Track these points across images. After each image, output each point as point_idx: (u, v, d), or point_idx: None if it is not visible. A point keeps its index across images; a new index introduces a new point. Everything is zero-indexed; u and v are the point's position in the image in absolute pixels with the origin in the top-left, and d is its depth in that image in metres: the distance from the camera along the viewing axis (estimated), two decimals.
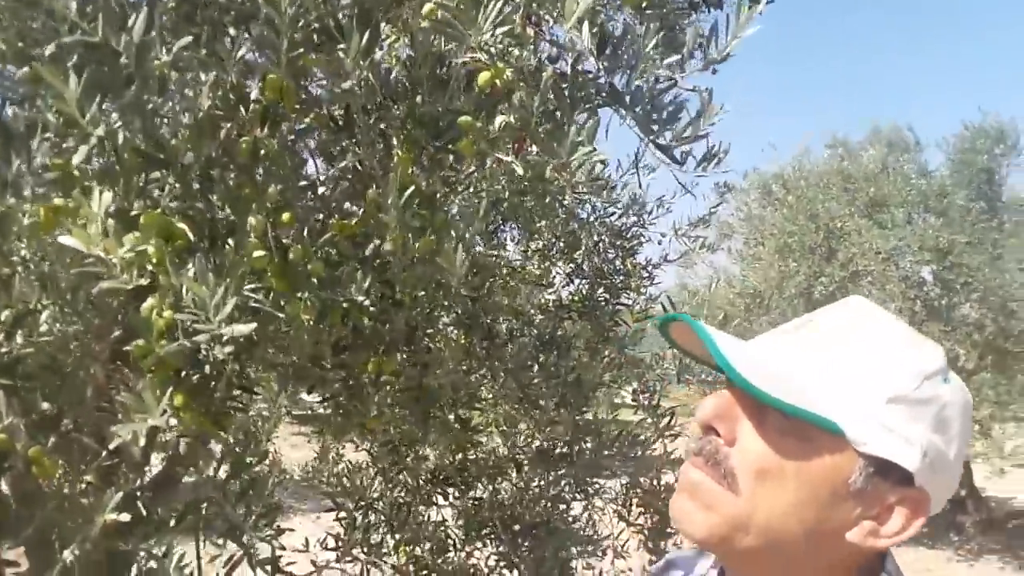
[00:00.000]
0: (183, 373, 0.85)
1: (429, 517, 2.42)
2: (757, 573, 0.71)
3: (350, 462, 2.54)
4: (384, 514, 2.32)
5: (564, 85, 0.98)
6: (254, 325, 0.76)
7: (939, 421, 0.66)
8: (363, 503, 2.31)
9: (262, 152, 0.85)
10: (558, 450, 2.57)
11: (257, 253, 0.86)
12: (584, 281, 2.79)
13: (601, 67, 1.00)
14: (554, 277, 2.81)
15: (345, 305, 1.03)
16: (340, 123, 1.11)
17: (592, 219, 2.75)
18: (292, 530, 1.42)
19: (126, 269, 0.75)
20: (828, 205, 7.61)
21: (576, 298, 2.77)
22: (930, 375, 0.66)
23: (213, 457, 1.63)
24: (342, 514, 2.20)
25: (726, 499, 0.66)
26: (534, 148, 1.10)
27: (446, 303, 1.92)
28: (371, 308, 1.08)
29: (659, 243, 2.98)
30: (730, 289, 8.55)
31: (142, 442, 0.82)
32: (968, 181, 7.40)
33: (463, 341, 2.30)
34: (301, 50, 0.86)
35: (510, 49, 0.89)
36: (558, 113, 0.88)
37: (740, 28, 0.81)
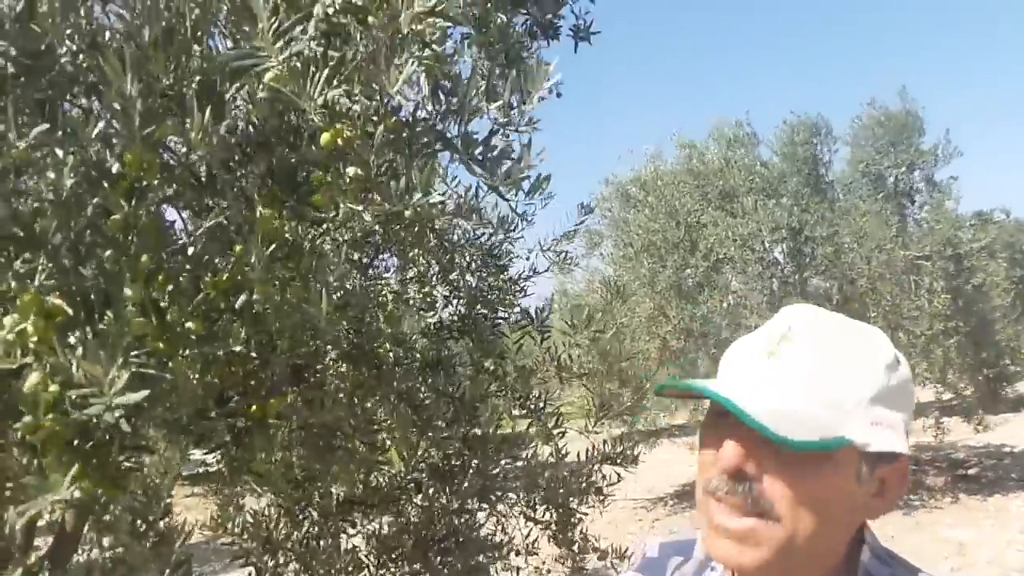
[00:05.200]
0: (75, 443, 0.89)
1: (340, 548, 2.46)
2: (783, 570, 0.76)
3: (252, 510, 2.54)
4: (294, 553, 2.34)
5: (404, 134, 1.11)
6: (146, 392, 0.83)
7: (905, 399, 0.77)
8: (270, 545, 2.33)
9: (132, 226, 0.91)
10: (452, 464, 2.67)
11: (137, 320, 0.92)
12: (462, 301, 2.92)
13: (436, 114, 1.14)
14: (434, 301, 2.93)
15: (225, 356, 1.10)
16: (202, 181, 1.18)
17: (463, 241, 2.90)
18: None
19: (9, 349, 0.80)
20: (684, 201, 8.14)
21: (456, 318, 2.89)
22: (891, 365, 0.77)
23: (109, 526, 1.62)
24: (252, 559, 2.21)
25: (771, 531, 0.73)
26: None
27: (328, 340, 2.00)
28: (251, 356, 1.15)
29: (527, 258, 3.17)
30: (606, 291, 8.96)
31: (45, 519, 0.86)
32: (797, 169, 8.18)
33: (351, 373, 2.36)
34: (153, 125, 0.93)
35: (350, 108, 1.01)
36: (397, 162, 1.00)
37: (540, 79, 0.98)
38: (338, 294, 1.06)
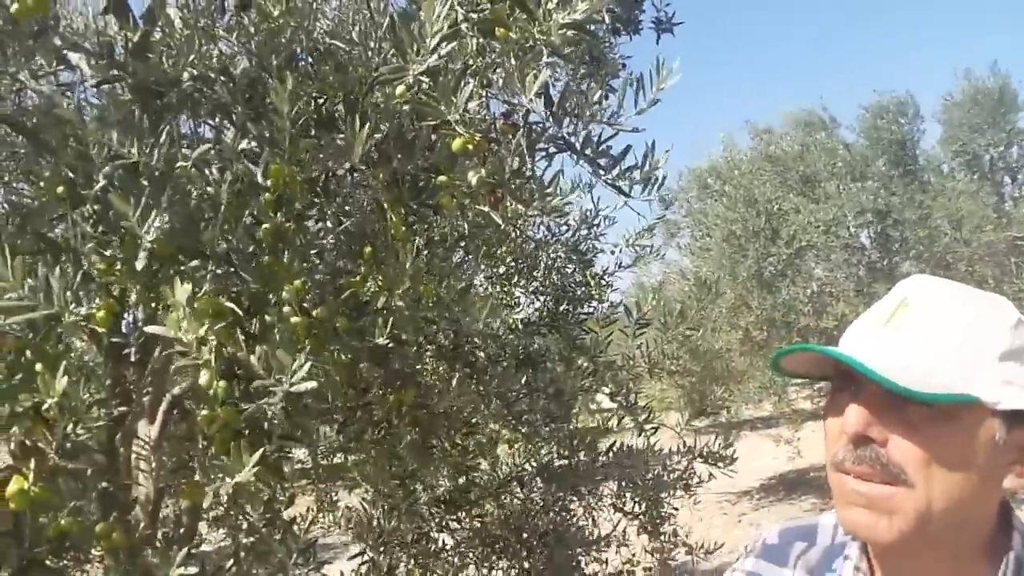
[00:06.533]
0: (242, 433, 0.97)
1: (444, 542, 2.55)
2: (920, 551, 0.73)
3: (358, 505, 2.65)
4: (400, 546, 2.44)
5: (522, 139, 1.15)
6: (315, 383, 0.90)
7: None
8: (380, 540, 2.43)
9: (282, 234, 0.99)
10: (556, 463, 2.72)
11: (294, 319, 1.01)
12: (548, 297, 2.96)
13: (550, 119, 1.18)
14: (519, 298, 2.97)
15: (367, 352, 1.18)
16: (328, 192, 1.26)
17: (548, 239, 2.93)
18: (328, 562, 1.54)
19: (190, 349, 0.89)
20: (763, 189, 7.95)
21: (543, 314, 2.93)
22: (1016, 324, 0.73)
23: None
24: (364, 554, 2.32)
25: (905, 496, 0.69)
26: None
27: (430, 338, 2.07)
28: (389, 351, 1.22)
29: (612, 252, 3.19)
30: (684, 281, 8.86)
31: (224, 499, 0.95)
32: (883, 151, 7.87)
33: (447, 371, 2.44)
34: (301, 143, 1.01)
35: (482, 116, 1.06)
36: (523, 166, 1.04)
37: (663, 80, 1.00)
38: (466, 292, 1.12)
